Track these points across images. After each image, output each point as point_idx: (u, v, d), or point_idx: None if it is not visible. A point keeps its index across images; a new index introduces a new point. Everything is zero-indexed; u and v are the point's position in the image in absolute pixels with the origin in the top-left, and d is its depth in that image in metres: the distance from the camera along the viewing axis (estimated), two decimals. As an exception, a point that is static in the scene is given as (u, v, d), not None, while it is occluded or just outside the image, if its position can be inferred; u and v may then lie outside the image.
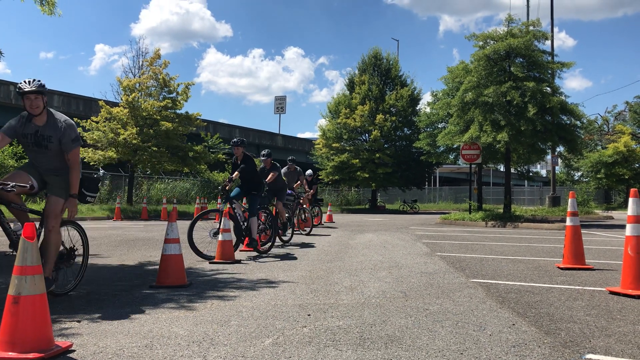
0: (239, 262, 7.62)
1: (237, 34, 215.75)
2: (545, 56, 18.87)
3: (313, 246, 10.12)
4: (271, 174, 9.98)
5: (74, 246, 5.23)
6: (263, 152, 10.36)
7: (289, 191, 11.62)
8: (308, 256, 8.43)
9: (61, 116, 4.79)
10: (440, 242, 11.28)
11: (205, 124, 38.18)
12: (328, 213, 21.20)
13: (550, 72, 18.79)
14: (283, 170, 12.59)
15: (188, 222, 8.56)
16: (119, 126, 22.80)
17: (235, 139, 8.86)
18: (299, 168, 13.59)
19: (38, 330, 3.10)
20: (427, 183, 48.86)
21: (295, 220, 12.37)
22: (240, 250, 8.97)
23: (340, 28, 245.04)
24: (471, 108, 18.03)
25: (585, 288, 5.56)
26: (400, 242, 11.13)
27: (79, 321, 4.04)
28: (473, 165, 21.70)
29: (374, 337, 3.62)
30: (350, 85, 37.85)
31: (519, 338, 3.62)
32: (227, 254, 7.57)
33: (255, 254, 8.78)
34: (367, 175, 34.32)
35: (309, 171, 16.11)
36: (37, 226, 4.19)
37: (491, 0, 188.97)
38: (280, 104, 65.01)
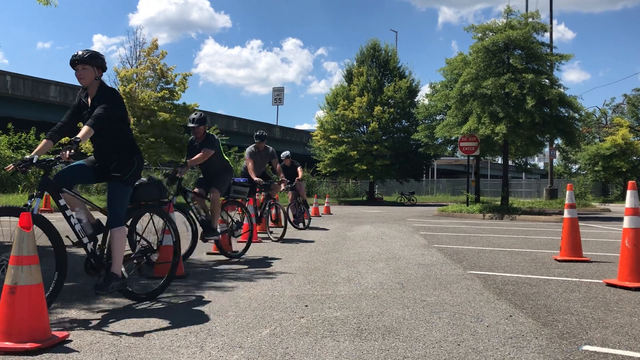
0: (236, 252, 7.61)
1: (235, 24, 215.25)
2: (544, 48, 18.83)
3: (310, 238, 10.13)
4: (201, 152, 6.87)
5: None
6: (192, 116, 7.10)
7: (239, 179, 8.31)
8: (305, 248, 8.43)
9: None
10: (437, 234, 11.29)
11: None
12: (325, 205, 21.21)
13: (549, 64, 18.76)
14: (248, 150, 9.91)
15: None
16: (116, 117, 22.69)
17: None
18: (271, 148, 10.18)
19: (34, 321, 3.09)
20: (424, 175, 48.90)
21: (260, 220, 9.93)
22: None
23: (339, 19, 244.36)
24: (469, 100, 18.01)
25: (582, 280, 5.57)
26: (397, 233, 11.13)
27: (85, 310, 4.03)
28: (471, 158, 21.69)
29: (372, 328, 3.62)
30: (349, 77, 37.73)
31: (516, 329, 3.62)
32: (225, 245, 7.55)
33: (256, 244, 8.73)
34: (364, 167, 34.28)
35: (286, 152, 12.99)
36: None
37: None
38: (278, 96, 64.84)
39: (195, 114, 6.96)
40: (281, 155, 12.73)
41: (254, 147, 9.93)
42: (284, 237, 9.50)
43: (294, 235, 10.65)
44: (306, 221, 12.15)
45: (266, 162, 10.15)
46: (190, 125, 6.92)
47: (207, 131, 7.07)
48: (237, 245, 7.53)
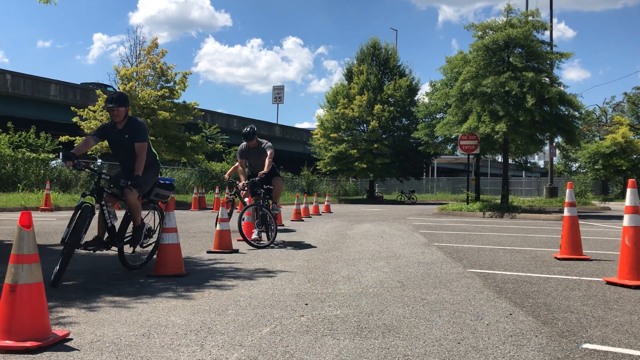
0: (236, 251, 7.62)
1: (236, 23, 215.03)
2: (544, 46, 18.82)
3: (311, 236, 10.13)
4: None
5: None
6: None
7: (164, 179, 6.37)
8: (306, 246, 8.43)
9: None
10: (437, 232, 11.30)
11: (203, 113, 37.93)
12: (326, 203, 21.22)
13: (549, 62, 18.76)
14: (239, 148, 9.11)
15: (186, 212, 8.49)
16: (116, 115, 22.67)
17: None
18: (264, 143, 8.94)
19: (35, 319, 3.09)
20: (424, 173, 48.90)
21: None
22: (237, 240, 8.95)
23: (339, 18, 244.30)
24: (469, 98, 18.00)
25: (582, 278, 5.57)
26: (397, 232, 11.13)
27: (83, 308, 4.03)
28: (471, 156, 21.69)
29: (372, 327, 3.62)
30: (349, 75, 37.73)
31: (516, 328, 3.62)
32: (225, 243, 7.56)
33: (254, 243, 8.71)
34: (365, 166, 34.31)
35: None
36: None
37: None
38: (278, 94, 64.81)
39: (115, 93, 5.78)
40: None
41: (244, 145, 8.98)
42: (275, 241, 8.48)
43: (294, 234, 10.65)
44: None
45: (264, 158, 8.83)
46: (109, 106, 5.59)
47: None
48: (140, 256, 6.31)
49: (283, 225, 12.56)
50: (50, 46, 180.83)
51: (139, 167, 5.57)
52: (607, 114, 50.74)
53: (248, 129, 8.86)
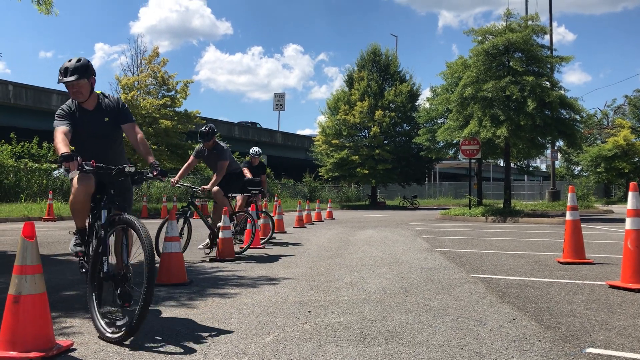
0: (239, 259, 7.62)
1: (237, 31, 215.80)
2: (544, 50, 18.88)
3: (313, 243, 10.13)
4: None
5: None
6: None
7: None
8: (308, 253, 8.44)
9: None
10: (440, 237, 11.28)
11: (205, 121, 38.07)
12: (328, 210, 21.21)
13: (549, 66, 18.79)
14: (197, 147, 8.22)
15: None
16: (118, 125, 22.77)
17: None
18: (221, 145, 8.07)
19: (38, 330, 3.10)
20: (426, 179, 48.85)
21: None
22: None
23: (339, 24, 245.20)
24: (470, 103, 18.03)
25: (585, 282, 5.57)
26: (400, 238, 11.13)
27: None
28: (473, 161, 21.69)
29: (375, 333, 3.62)
30: (349, 82, 37.82)
31: (519, 333, 3.62)
32: (228, 252, 7.57)
33: (260, 249, 8.73)
34: (366, 172, 34.32)
35: (254, 149, 10.90)
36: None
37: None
38: (279, 101, 64.96)
39: (70, 61, 4.06)
40: (250, 152, 11.00)
41: (201, 145, 8.07)
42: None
43: (297, 240, 10.66)
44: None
45: (218, 163, 7.96)
46: (66, 80, 4.00)
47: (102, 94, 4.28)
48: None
49: (285, 232, 12.57)
50: (52, 56, 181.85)
51: (149, 152, 4.27)
52: (609, 116, 50.74)
53: (206, 129, 7.88)
